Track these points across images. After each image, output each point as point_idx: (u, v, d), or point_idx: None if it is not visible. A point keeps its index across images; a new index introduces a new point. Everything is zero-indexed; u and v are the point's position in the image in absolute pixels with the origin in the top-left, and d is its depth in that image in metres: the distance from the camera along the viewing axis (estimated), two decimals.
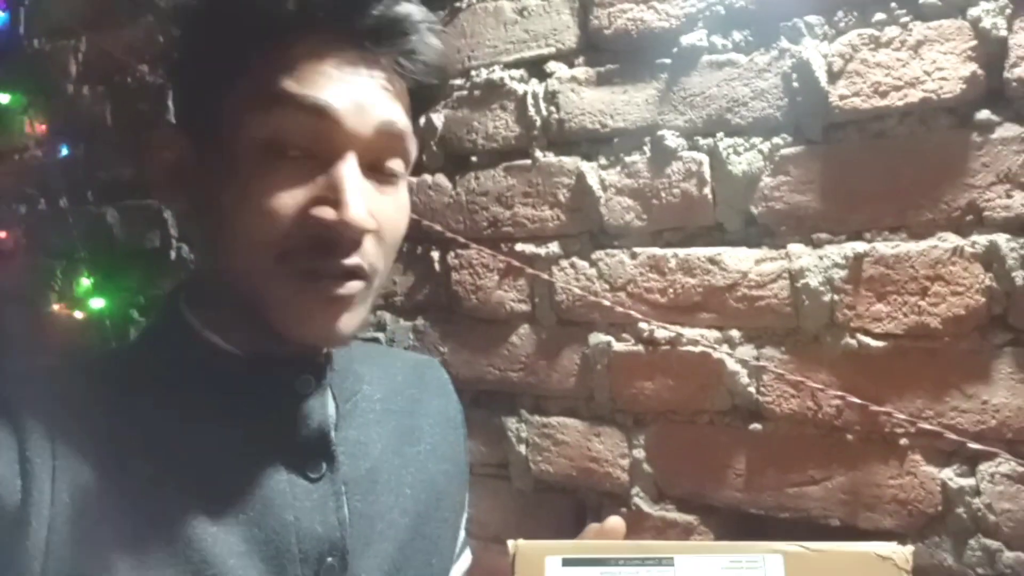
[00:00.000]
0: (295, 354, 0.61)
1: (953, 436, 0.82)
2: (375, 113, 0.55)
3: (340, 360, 0.66)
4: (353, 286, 0.56)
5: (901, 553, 0.51)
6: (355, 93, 0.55)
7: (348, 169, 0.54)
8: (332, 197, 0.54)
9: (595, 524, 0.60)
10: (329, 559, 0.59)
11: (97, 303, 1.63)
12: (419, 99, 0.61)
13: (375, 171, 0.57)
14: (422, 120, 1.20)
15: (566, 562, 0.53)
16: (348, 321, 0.57)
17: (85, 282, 1.67)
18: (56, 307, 1.72)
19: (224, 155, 0.56)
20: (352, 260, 0.55)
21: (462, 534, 0.81)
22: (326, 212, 0.53)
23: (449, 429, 0.76)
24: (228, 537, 0.56)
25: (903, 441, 0.87)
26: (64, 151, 1.72)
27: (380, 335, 1.26)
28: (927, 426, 0.84)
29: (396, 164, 0.59)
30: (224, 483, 0.58)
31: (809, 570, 0.52)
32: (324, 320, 0.56)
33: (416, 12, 0.58)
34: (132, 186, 1.58)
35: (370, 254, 0.56)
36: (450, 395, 0.79)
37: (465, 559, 0.82)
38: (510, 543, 0.55)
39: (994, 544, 0.82)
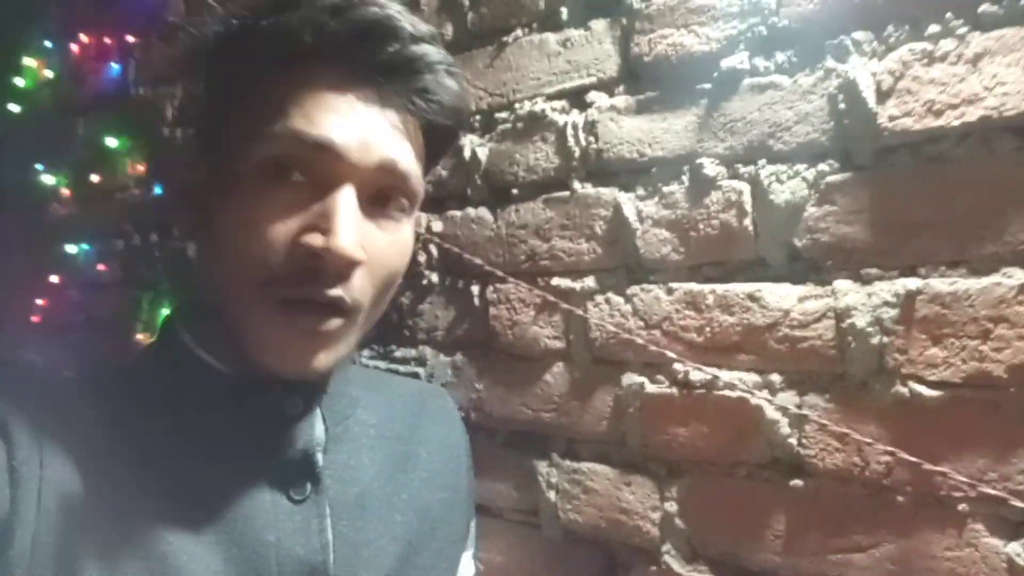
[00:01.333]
0: (286, 375, 0.59)
1: (1021, 504, 0.70)
2: (379, 150, 0.55)
3: (334, 383, 0.65)
4: (333, 323, 0.55)
5: None
6: (360, 128, 0.55)
7: (343, 199, 0.54)
8: (323, 225, 0.53)
9: None
10: None
11: None
12: (433, 140, 0.61)
13: (376, 207, 0.57)
14: (468, 155, 1.19)
15: None
16: (325, 358, 0.56)
17: (166, 312, 1.74)
18: (140, 336, 1.81)
19: (228, 177, 0.56)
20: (336, 291, 0.54)
21: (471, 568, 0.77)
22: (315, 239, 0.53)
23: (451, 457, 0.74)
24: (206, 555, 0.55)
25: (962, 507, 0.75)
26: (157, 190, 1.83)
27: (420, 370, 1.24)
28: (990, 491, 0.72)
29: (400, 199, 0.58)
30: (206, 501, 0.57)
31: None
32: (300, 354, 0.56)
33: (433, 53, 0.58)
34: None
35: (355, 288, 0.55)
36: (454, 423, 0.77)
37: None
38: None
39: None
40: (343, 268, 0.54)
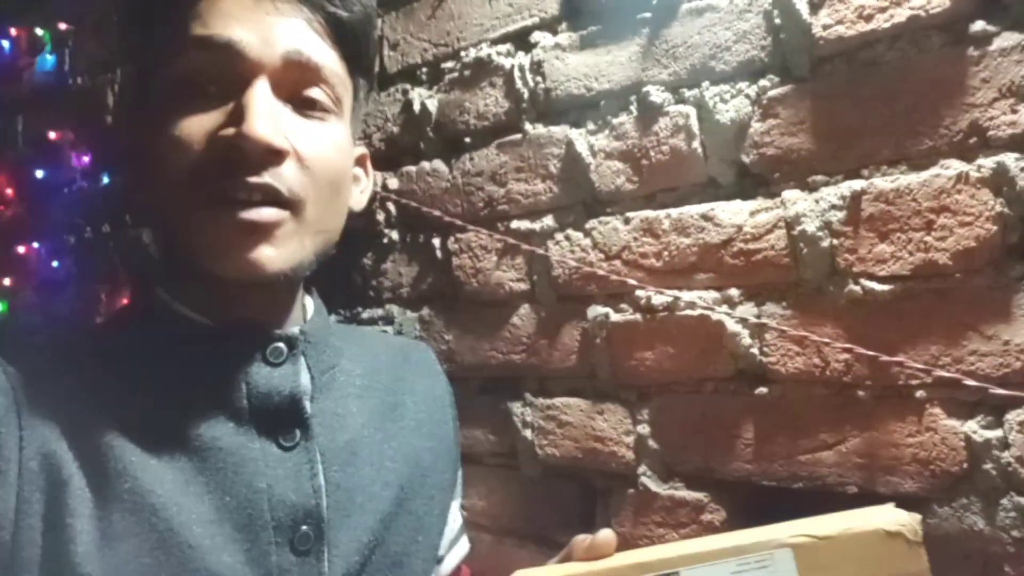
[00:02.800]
0: (266, 323, 0.61)
1: (974, 383, 0.74)
2: (283, 43, 0.57)
3: (316, 333, 0.65)
4: (268, 212, 0.55)
5: (910, 525, 0.49)
6: (260, 25, 0.56)
7: (255, 91, 0.55)
8: (236, 116, 0.54)
9: (583, 537, 0.55)
10: (304, 527, 0.58)
11: None
12: (344, 37, 0.61)
13: (299, 104, 0.57)
14: (418, 108, 1.19)
15: None
16: (270, 254, 0.55)
17: (126, 303, 1.72)
18: None
19: (148, 105, 0.58)
20: (260, 178, 0.54)
21: (458, 519, 0.79)
22: (229, 130, 0.54)
23: (436, 408, 0.74)
24: (197, 505, 0.55)
25: (920, 394, 0.78)
26: (105, 179, 1.80)
27: (388, 328, 1.24)
28: (944, 374, 0.75)
29: (320, 94, 0.58)
30: (194, 451, 0.57)
31: (821, 560, 0.49)
32: (239, 249, 0.55)
33: None
34: None
35: (288, 178, 0.56)
36: (437, 375, 0.78)
37: (463, 545, 0.79)
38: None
39: None
40: (262, 154, 0.54)
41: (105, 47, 1.78)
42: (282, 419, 0.60)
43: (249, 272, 0.56)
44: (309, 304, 0.68)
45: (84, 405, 0.56)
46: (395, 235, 1.24)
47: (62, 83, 1.89)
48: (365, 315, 1.28)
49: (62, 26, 1.88)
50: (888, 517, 0.49)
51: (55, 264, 1.92)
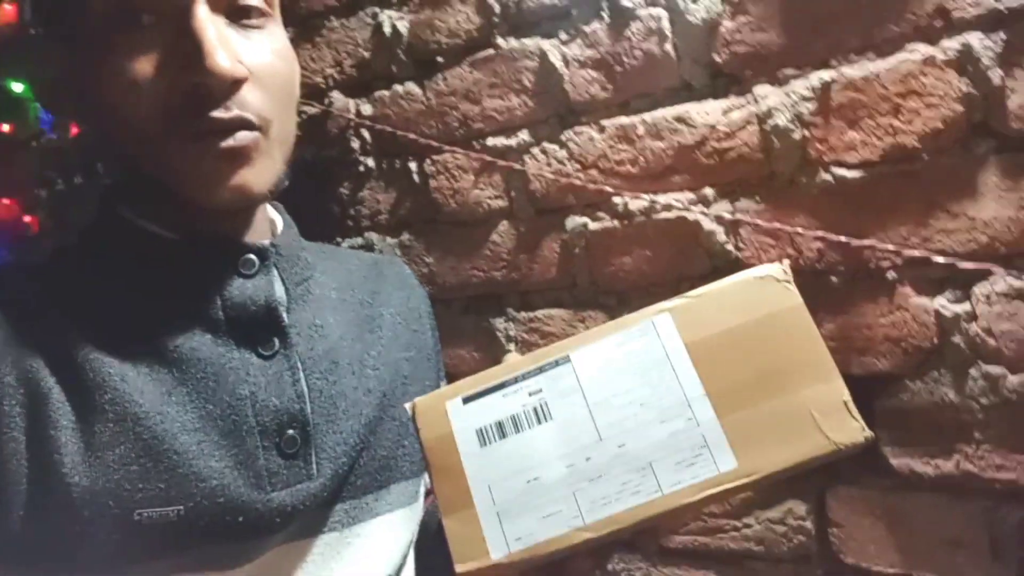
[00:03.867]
0: (236, 236, 0.60)
1: (942, 259, 0.76)
2: None
3: (287, 247, 0.65)
4: (243, 136, 0.55)
5: (778, 268, 0.51)
6: None
7: (200, 20, 0.53)
8: (194, 54, 0.52)
9: (515, 352, 0.57)
10: (290, 431, 0.58)
11: None
12: None
13: (237, 19, 0.56)
14: (388, 30, 1.18)
15: (466, 399, 0.52)
16: (250, 176, 0.56)
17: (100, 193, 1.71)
18: None
19: (81, 41, 0.55)
20: (230, 112, 0.54)
21: None
22: (189, 71, 0.52)
23: (412, 319, 0.75)
24: (180, 415, 0.55)
25: (891, 275, 0.81)
26: (75, 129, 1.77)
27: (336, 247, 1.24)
28: (914, 253, 0.78)
29: (258, 8, 0.57)
30: (173, 363, 0.57)
31: (699, 317, 0.50)
32: (222, 177, 0.55)
33: None
34: None
35: (251, 103, 0.55)
36: (413, 287, 0.78)
37: None
38: (407, 405, 0.54)
39: (996, 370, 0.75)
40: (228, 88, 0.54)
41: None
42: (259, 329, 0.60)
43: (236, 198, 0.56)
44: (277, 219, 0.68)
45: (59, 321, 0.56)
46: (371, 162, 1.24)
47: (21, 33, 1.85)
48: (344, 245, 1.28)
49: None
50: (758, 268, 0.52)
51: (27, 219, 1.90)
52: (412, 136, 1.15)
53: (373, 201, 1.25)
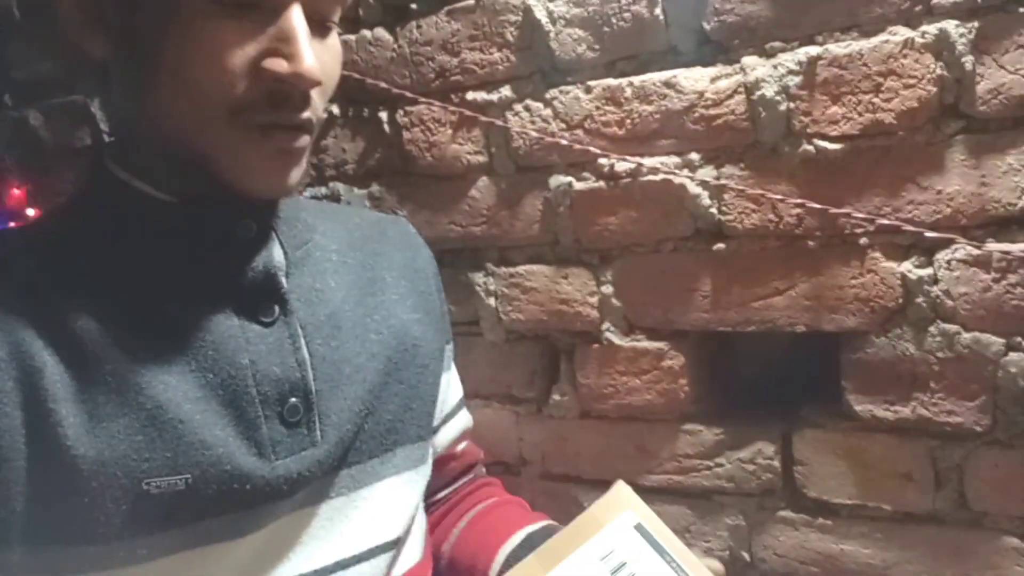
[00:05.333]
0: (234, 200, 0.59)
1: (911, 228, 0.84)
2: None
3: (286, 209, 0.65)
4: (302, 140, 0.57)
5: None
6: None
7: (297, 20, 0.54)
8: (284, 50, 0.53)
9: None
10: (292, 399, 0.59)
11: (32, 212, 1.56)
12: None
13: (315, 22, 0.57)
14: None
15: None
16: (296, 174, 0.58)
17: (16, 191, 1.59)
18: None
19: (171, 11, 0.53)
20: (303, 114, 0.56)
21: (456, 392, 0.82)
22: (280, 64, 0.53)
23: (418, 280, 0.75)
24: (181, 384, 0.55)
25: (863, 240, 0.88)
26: None
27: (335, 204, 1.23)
28: (885, 221, 0.86)
29: (335, 14, 0.59)
30: (172, 332, 0.57)
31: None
32: (275, 173, 0.57)
33: None
34: (53, 84, 1.49)
35: (317, 107, 0.57)
36: (418, 248, 0.78)
37: (461, 418, 0.82)
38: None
39: (952, 328, 0.85)
40: (308, 90, 0.55)
41: None
42: (259, 295, 0.60)
43: (278, 192, 0.59)
44: None
45: (51, 290, 0.55)
46: (335, 109, 1.21)
47: None
48: (308, 194, 1.25)
49: None
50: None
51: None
52: (384, 85, 1.13)
53: (338, 150, 1.22)
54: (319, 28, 0.57)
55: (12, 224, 1.60)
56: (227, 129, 0.54)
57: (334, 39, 0.60)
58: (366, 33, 1.16)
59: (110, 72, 0.59)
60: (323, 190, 1.24)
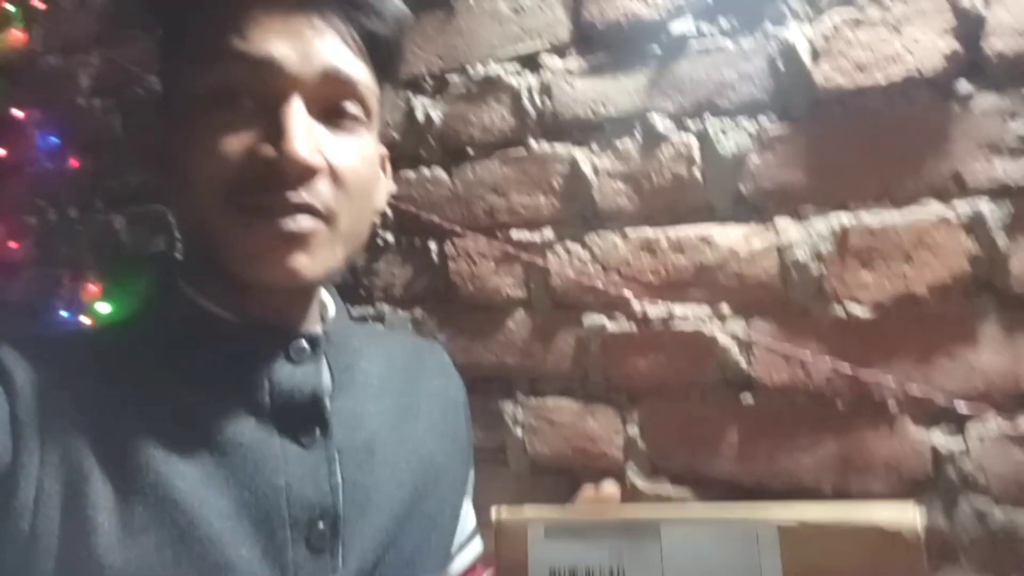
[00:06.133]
0: (290, 321, 0.62)
1: (942, 399, 0.83)
2: (320, 58, 0.57)
3: (337, 332, 0.67)
4: (304, 220, 0.56)
5: (909, 524, 0.45)
6: (299, 40, 0.56)
7: (291, 108, 0.55)
8: (275, 135, 0.55)
9: (591, 486, 0.59)
10: (320, 524, 0.59)
11: (104, 308, 1.65)
12: (378, 52, 0.62)
13: (330, 117, 0.58)
14: (421, 117, 1.24)
15: (548, 532, 0.52)
16: (304, 261, 0.56)
17: (92, 288, 1.69)
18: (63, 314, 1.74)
19: (175, 112, 0.59)
20: (299, 197, 0.55)
21: (471, 518, 0.81)
22: (267, 148, 0.54)
23: (449, 408, 0.76)
24: (217, 500, 0.56)
25: (892, 406, 0.88)
26: (74, 162, 1.76)
27: (379, 326, 1.28)
28: (915, 391, 0.85)
29: (352, 107, 0.59)
30: (215, 447, 0.58)
31: (806, 546, 0.47)
32: (275, 257, 0.56)
33: None
34: (138, 193, 1.61)
35: (323, 194, 0.57)
36: (451, 376, 0.80)
37: (475, 545, 0.81)
38: (494, 508, 0.54)
39: (984, 504, 0.82)
40: (301, 173, 0.55)
41: (80, 28, 1.75)
42: (302, 417, 0.61)
43: (286, 280, 0.57)
44: (329, 302, 0.69)
45: (108, 397, 0.57)
46: (390, 237, 1.28)
47: (32, 62, 1.85)
48: (355, 312, 1.31)
49: (35, 3, 1.84)
50: (890, 514, 0.46)
51: (12, 245, 1.87)
52: (436, 220, 1.20)
53: (388, 274, 1.28)
54: (332, 118, 0.58)
55: (83, 318, 1.69)
56: (224, 213, 0.55)
57: (360, 138, 0.60)
58: (425, 171, 1.24)
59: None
60: (370, 310, 1.30)
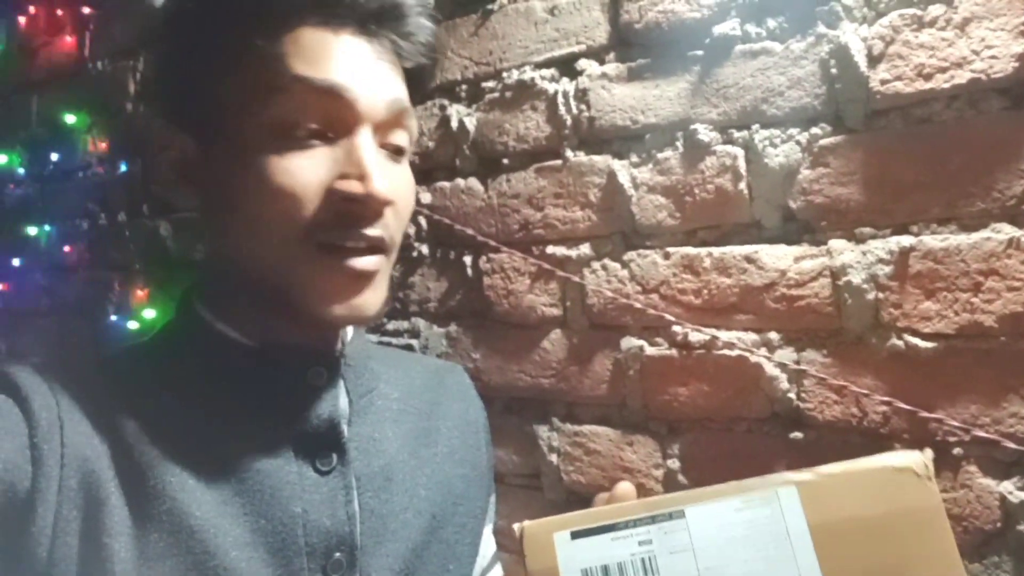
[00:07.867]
0: (308, 346, 0.61)
1: (1012, 445, 0.75)
2: (385, 91, 0.58)
3: (356, 356, 0.66)
4: (376, 260, 0.57)
5: (919, 460, 0.48)
6: (364, 71, 0.57)
7: (365, 143, 0.56)
8: (355, 172, 0.55)
9: (604, 493, 0.57)
10: (337, 554, 0.58)
11: (150, 313, 1.67)
12: (414, 79, 0.62)
13: (386, 146, 0.59)
14: (455, 125, 1.19)
15: (575, 535, 0.51)
16: (371, 298, 0.57)
17: (140, 293, 1.71)
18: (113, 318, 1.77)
19: (232, 143, 0.56)
20: (375, 231, 0.56)
21: (492, 545, 0.79)
22: (352, 185, 0.55)
23: (469, 433, 0.74)
24: (233, 528, 0.55)
25: (957, 451, 0.79)
26: (123, 167, 1.78)
27: (414, 342, 1.24)
28: (983, 434, 0.77)
29: (402, 139, 0.60)
30: (232, 473, 0.57)
31: (826, 498, 0.49)
32: (348, 296, 0.56)
33: None
34: (183, 201, 1.62)
35: (391, 227, 0.58)
36: (472, 399, 0.78)
37: (496, 573, 0.79)
38: (516, 525, 0.53)
39: None
40: (379, 210, 0.56)
41: (128, 33, 1.76)
42: (320, 443, 0.60)
43: (355, 317, 0.58)
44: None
45: (125, 423, 0.56)
46: (425, 249, 1.24)
47: (80, 66, 1.87)
48: (390, 327, 1.28)
49: (84, 9, 1.86)
50: (897, 455, 0.49)
51: (66, 248, 1.91)
52: (470, 231, 1.15)
53: (423, 288, 1.25)
54: (389, 152, 0.59)
55: (132, 322, 1.72)
56: (299, 252, 0.55)
57: (405, 165, 0.61)
58: (460, 182, 1.19)
59: (200, 222, 0.63)
60: (405, 324, 1.26)
